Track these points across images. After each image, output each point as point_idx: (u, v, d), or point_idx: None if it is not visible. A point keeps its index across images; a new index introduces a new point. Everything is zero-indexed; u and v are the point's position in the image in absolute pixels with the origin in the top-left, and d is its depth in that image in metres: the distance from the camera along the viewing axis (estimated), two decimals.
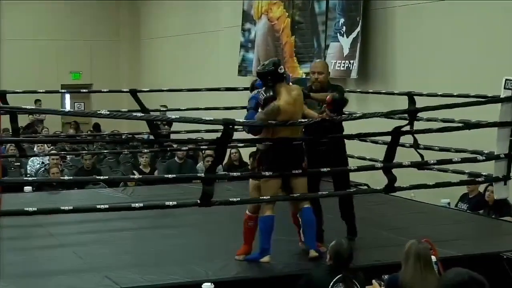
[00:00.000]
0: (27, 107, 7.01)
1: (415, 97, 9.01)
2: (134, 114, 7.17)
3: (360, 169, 8.18)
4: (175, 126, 18.65)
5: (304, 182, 7.39)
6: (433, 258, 6.10)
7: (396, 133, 7.63)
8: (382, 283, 5.95)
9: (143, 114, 7.07)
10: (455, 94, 9.01)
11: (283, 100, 7.04)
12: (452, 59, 11.87)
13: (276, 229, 7.30)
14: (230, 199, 7.54)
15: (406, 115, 8.00)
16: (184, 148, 12.85)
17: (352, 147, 10.31)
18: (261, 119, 7.03)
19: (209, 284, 6.26)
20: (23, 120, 17.08)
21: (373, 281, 6.08)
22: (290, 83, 7.55)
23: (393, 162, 7.65)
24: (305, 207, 7.43)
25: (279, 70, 7.13)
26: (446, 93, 9.16)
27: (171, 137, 13.58)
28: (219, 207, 7.50)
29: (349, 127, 8.78)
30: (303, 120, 7.28)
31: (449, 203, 10.27)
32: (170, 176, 7.62)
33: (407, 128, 7.62)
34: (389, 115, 8.48)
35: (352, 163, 8.50)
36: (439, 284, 4.65)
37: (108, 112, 7.14)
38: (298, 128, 7.43)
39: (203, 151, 13.78)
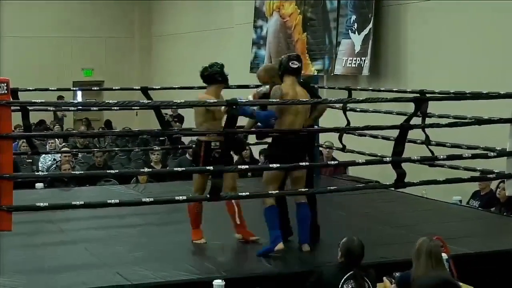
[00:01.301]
0: (37, 100, 7.01)
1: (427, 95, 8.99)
2: (141, 101, 7.19)
3: (368, 162, 8.17)
4: (186, 124, 18.71)
5: (304, 176, 7.49)
6: (445, 255, 6.09)
7: (405, 126, 7.62)
8: (393, 280, 5.94)
9: (149, 101, 7.12)
10: (467, 92, 8.97)
11: (285, 85, 7.35)
12: (464, 57, 11.84)
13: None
14: (240, 194, 7.57)
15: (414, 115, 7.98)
16: (194, 146, 12.87)
17: (363, 144, 10.33)
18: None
19: (220, 281, 6.25)
20: (34, 118, 17.10)
21: (384, 278, 6.07)
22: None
23: (403, 157, 7.64)
24: (301, 202, 7.49)
25: (291, 64, 7.41)
26: (459, 91, 9.13)
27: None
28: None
29: (360, 123, 8.79)
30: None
31: (460, 201, 10.24)
32: (179, 169, 7.64)
33: (415, 119, 7.64)
34: (393, 101, 8.56)
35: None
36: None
37: (115, 101, 7.17)
38: (301, 121, 7.48)
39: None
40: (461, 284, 6.02)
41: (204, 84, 7.94)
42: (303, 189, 7.50)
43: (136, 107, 10.01)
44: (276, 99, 7.27)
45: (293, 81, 7.48)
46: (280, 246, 7.25)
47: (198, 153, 7.60)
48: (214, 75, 7.80)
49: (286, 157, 7.25)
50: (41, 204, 6.73)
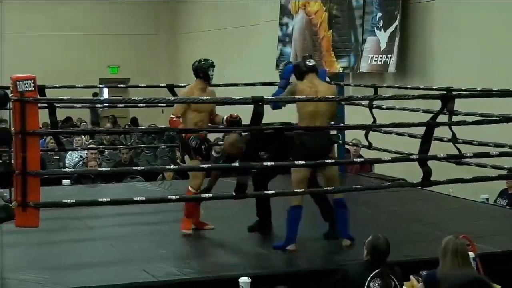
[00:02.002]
0: (64, 97, 7.06)
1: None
2: (167, 98, 7.28)
3: (394, 160, 8.15)
4: None
5: (337, 174, 7.59)
6: (472, 254, 6.06)
7: (431, 124, 7.59)
8: (420, 279, 5.92)
9: (175, 98, 7.22)
10: (494, 89, 8.91)
11: (303, 84, 7.50)
12: (491, 54, 11.76)
13: (309, 223, 7.29)
14: (265, 192, 7.57)
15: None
16: (220, 143, 12.85)
17: (389, 141, 10.28)
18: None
19: (246, 278, 6.25)
20: (61, 115, 17.19)
21: (411, 276, 6.05)
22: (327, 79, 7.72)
23: (429, 155, 7.61)
24: (339, 199, 7.61)
25: (307, 62, 7.60)
26: (486, 89, 9.07)
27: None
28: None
29: (386, 121, 8.75)
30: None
31: (487, 199, 10.17)
32: (205, 166, 7.65)
33: (441, 117, 7.61)
34: (419, 99, 8.54)
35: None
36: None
37: (141, 98, 7.22)
38: (323, 118, 7.54)
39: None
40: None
41: (231, 82, 8.05)
42: (328, 188, 7.51)
43: (162, 104, 10.02)
44: (289, 93, 7.45)
45: (313, 77, 7.60)
46: (292, 247, 7.38)
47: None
48: (197, 70, 8.11)
49: (309, 153, 7.30)
50: (68, 200, 6.77)
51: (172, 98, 7.18)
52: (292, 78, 7.86)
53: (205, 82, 8.04)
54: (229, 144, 8.16)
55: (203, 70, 8.05)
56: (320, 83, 7.69)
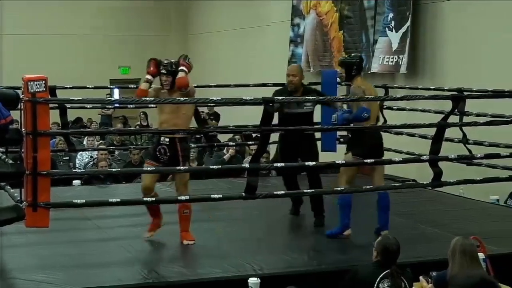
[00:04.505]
0: (75, 98, 7.08)
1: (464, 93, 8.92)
2: (178, 98, 7.26)
3: (405, 161, 8.15)
4: (222, 121, 18.74)
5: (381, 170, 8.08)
6: (482, 255, 6.05)
7: (442, 125, 7.58)
8: (430, 280, 5.91)
9: (185, 99, 7.20)
10: (506, 90, 8.88)
11: (366, 86, 7.85)
12: (503, 54, 11.73)
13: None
14: (275, 192, 7.58)
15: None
16: (231, 143, 12.89)
17: (400, 142, 10.28)
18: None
19: (255, 278, 6.25)
20: (71, 116, 17.22)
21: (421, 277, 6.04)
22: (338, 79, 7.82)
23: (440, 156, 7.61)
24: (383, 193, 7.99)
25: (363, 64, 8.05)
26: (497, 89, 9.05)
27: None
28: (265, 201, 7.54)
29: (397, 121, 8.76)
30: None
31: (498, 200, 10.15)
32: (215, 167, 7.66)
33: (452, 118, 7.65)
34: (431, 99, 8.59)
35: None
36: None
37: (152, 99, 7.23)
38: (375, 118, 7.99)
39: (249, 147, 13.77)
40: (503, 285, 5.99)
41: (240, 82, 8.01)
42: (338, 188, 7.59)
43: (171, 104, 10.04)
44: (359, 95, 7.62)
45: (364, 78, 8.09)
46: (348, 232, 7.81)
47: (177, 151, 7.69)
48: None
49: (370, 149, 7.73)
50: (78, 201, 6.80)
51: (183, 98, 7.17)
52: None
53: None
54: None
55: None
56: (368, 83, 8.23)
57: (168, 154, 7.55)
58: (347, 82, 8.16)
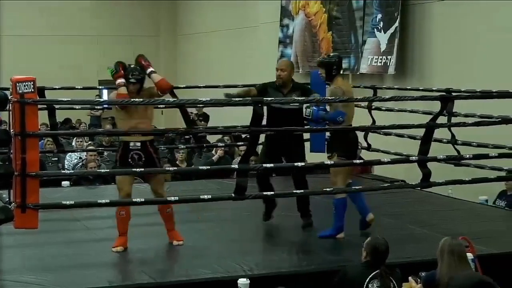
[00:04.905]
0: (64, 99, 7.07)
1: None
2: (167, 99, 7.26)
3: (394, 161, 8.16)
4: (212, 122, 18.72)
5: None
6: (470, 255, 6.07)
7: (430, 125, 7.60)
8: (419, 280, 5.92)
9: (174, 100, 7.18)
10: (494, 91, 8.92)
11: (345, 86, 7.95)
12: (491, 55, 11.76)
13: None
14: (265, 193, 7.59)
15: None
16: (220, 144, 12.87)
17: (388, 143, 10.30)
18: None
19: (245, 279, 6.26)
20: (60, 117, 17.18)
21: (410, 278, 6.05)
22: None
23: (428, 156, 7.62)
24: (350, 182, 8.08)
25: (342, 64, 8.05)
26: (485, 90, 9.08)
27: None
28: (255, 202, 7.53)
29: (386, 122, 8.77)
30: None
31: (486, 200, 10.18)
32: (204, 167, 7.66)
33: (441, 118, 7.66)
34: (419, 100, 8.62)
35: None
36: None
37: (141, 100, 7.23)
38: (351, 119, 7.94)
39: (239, 147, 13.77)
40: None
41: (229, 83, 7.99)
42: (328, 189, 7.61)
43: (161, 106, 10.02)
44: (339, 95, 7.61)
45: (344, 78, 8.20)
46: (341, 235, 7.83)
47: (117, 154, 7.62)
48: None
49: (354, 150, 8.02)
50: (67, 202, 6.78)
51: (172, 99, 7.16)
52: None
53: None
54: None
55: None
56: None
57: (143, 158, 7.49)
58: (327, 82, 8.05)
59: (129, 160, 7.51)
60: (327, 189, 7.67)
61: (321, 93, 8.49)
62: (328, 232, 7.87)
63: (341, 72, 8.01)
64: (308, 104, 7.82)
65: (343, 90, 7.75)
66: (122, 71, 7.56)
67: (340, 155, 7.77)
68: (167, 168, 7.65)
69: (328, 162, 7.83)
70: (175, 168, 11.32)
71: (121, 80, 7.54)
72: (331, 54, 8.42)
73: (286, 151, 8.32)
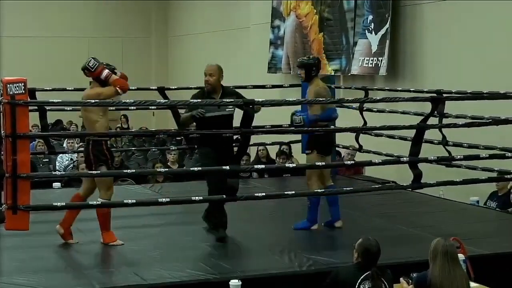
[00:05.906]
0: (55, 100, 7.07)
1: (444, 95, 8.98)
2: (158, 100, 7.29)
3: (385, 162, 8.18)
4: None
5: None
6: (462, 256, 6.08)
7: (421, 126, 7.62)
8: (410, 281, 5.93)
9: (166, 101, 7.21)
10: (484, 92, 8.94)
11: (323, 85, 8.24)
12: (482, 56, 11.78)
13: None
14: (256, 194, 7.59)
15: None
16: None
17: (379, 144, 10.31)
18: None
19: (236, 280, 6.25)
20: (51, 118, 17.16)
21: (401, 279, 6.05)
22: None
23: (419, 157, 7.64)
24: (330, 185, 8.34)
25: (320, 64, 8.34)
26: (476, 91, 9.10)
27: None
28: (246, 203, 7.52)
29: (377, 123, 8.78)
30: None
31: (478, 201, 10.19)
32: (195, 169, 7.66)
33: (432, 119, 7.69)
34: (410, 101, 8.70)
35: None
36: None
37: (132, 101, 7.23)
38: None
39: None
40: (478, 285, 6.02)
41: (229, 84, 8.07)
42: (319, 190, 7.63)
43: (153, 107, 10.04)
44: (325, 95, 8.02)
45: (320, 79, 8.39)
46: (315, 226, 8.24)
47: (89, 153, 7.67)
48: None
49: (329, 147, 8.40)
50: (58, 203, 6.77)
51: (163, 100, 7.16)
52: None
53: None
54: None
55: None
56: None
57: (113, 156, 7.67)
58: (306, 82, 8.36)
59: (109, 157, 7.73)
60: (319, 190, 7.68)
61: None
62: (303, 225, 8.28)
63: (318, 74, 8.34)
64: (293, 113, 8.14)
65: (327, 90, 8.20)
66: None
67: (319, 151, 8.13)
68: (159, 170, 7.68)
69: (319, 163, 7.85)
70: (166, 169, 11.32)
71: (107, 70, 7.66)
72: (311, 56, 8.77)
73: (220, 157, 7.74)
